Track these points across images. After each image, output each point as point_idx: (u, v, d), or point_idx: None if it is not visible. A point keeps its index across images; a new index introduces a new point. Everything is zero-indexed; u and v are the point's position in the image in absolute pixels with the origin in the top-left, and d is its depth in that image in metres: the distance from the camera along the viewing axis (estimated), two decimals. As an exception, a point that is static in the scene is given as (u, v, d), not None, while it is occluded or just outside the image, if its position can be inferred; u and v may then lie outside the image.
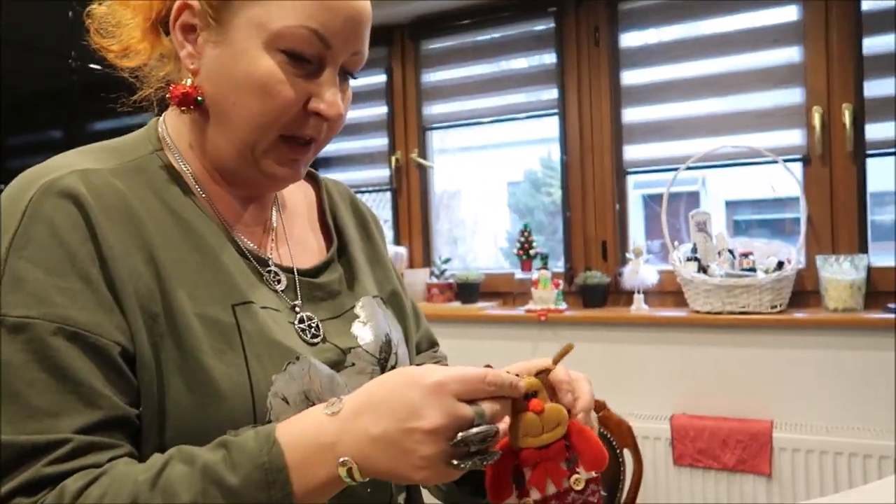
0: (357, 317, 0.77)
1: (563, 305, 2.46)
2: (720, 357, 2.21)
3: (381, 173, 2.96)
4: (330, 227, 0.84)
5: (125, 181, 0.64)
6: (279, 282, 0.72)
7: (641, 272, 2.34)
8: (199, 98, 0.67)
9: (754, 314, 2.14)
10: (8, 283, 0.55)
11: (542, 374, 0.62)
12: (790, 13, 2.28)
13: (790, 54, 2.27)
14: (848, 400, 2.05)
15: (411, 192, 2.92)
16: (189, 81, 0.67)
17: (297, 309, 0.72)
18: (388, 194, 2.98)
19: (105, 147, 0.68)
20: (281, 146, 0.67)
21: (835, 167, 2.21)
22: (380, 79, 2.94)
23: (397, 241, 2.94)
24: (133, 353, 0.58)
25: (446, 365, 0.87)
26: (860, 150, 2.17)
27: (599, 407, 1.78)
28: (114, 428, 0.56)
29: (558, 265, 2.63)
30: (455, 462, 0.54)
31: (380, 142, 2.95)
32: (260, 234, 0.75)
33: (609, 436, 1.75)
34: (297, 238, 0.79)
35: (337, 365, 0.71)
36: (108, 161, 0.65)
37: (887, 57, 2.14)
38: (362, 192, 3.03)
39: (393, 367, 0.76)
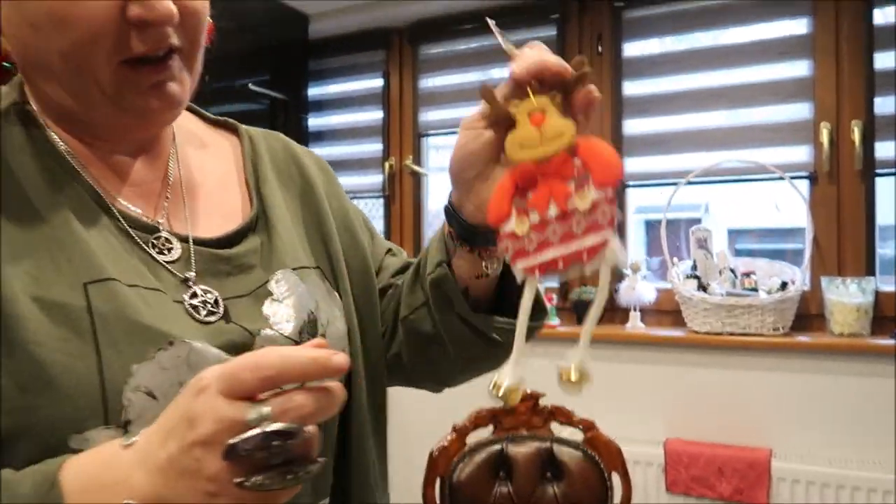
0: (270, 294, 0.64)
1: (556, 321, 2.36)
2: (718, 380, 2.11)
3: (375, 179, 2.88)
4: (251, 186, 0.71)
5: None
6: (170, 250, 0.61)
7: (638, 289, 2.25)
8: (7, 63, 0.57)
9: (755, 336, 2.03)
10: None
11: (556, 93, 0.52)
12: (800, 26, 2.20)
13: (799, 68, 2.19)
14: (852, 430, 1.94)
15: (404, 200, 2.83)
16: None
17: (191, 283, 0.60)
18: (381, 201, 2.90)
19: None
20: (129, 73, 0.55)
21: (842, 185, 2.12)
22: (376, 83, 2.86)
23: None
24: None
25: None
26: (869, 169, 2.08)
27: (588, 427, 1.68)
28: None
29: (552, 279, 2.53)
30: (239, 480, 0.42)
31: (374, 147, 2.88)
32: (151, 197, 0.64)
33: (597, 458, 1.64)
34: (208, 199, 0.68)
35: (241, 349, 0.58)
36: None
37: (900, 73, 2.06)
38: (354, 199, 2.95)
39: None
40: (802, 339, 2.00)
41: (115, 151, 0.62)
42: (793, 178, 2.16)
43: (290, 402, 0.43)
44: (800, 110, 2.19)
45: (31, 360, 0.49)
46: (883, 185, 2.10)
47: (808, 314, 2.13)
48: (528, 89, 0.53)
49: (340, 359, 0.45)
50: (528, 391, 1.73)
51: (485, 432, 1.70)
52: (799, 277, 2.07)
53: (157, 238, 0.61)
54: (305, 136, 2.91)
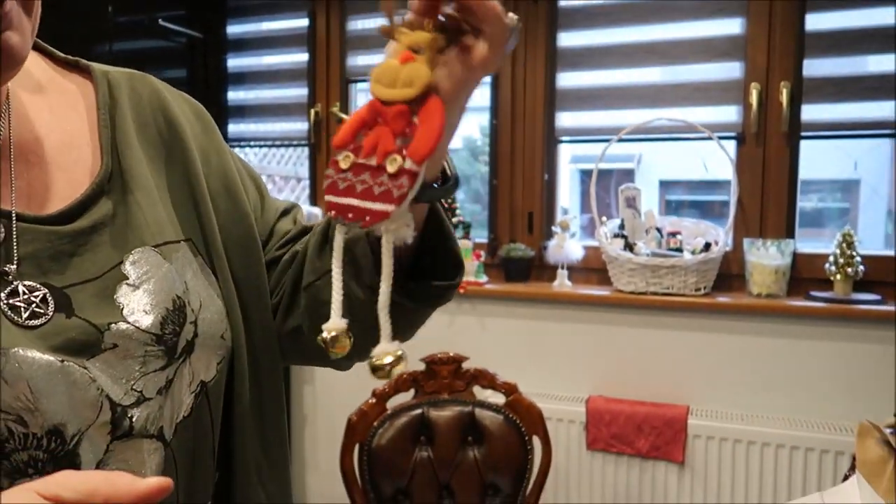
0: (125, 278, 0.55)
1: (484, 278, 2.32)
2: (641, 339, 2.13)
3: (299, 126, 2.74)
4: (102, 144, 0.60)
5: None
6: None
7: (567, 247, 2.23)
8: None
9: (678, 296, 2.05)
10: None
11: (440, 36, 0.48)
12: (735, -18, 2.16)
13: (732, 26, 2.16)
14: (766, 388, 2.00)
15: (330, 149, 2.70)
16: None
17: (10, 276, 0.50)
18: (306, 150, 2.76)
19: None
20: None
21: (768, 147, 2.13)
22: (300, 23, 2.69)
23: (314, 202, 2.73)
24: None
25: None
26: (795, 132, 2.09)
27: (510, 390, 1.66)
28: None
29: (482, 235, 2.49)
30: None
31: (298, 92, 2.72)
32: None
33: (518, 422, 1.63)
34: (43, 164, 0.57)
35: (86, 349, 0.51)
36: None
37: (829, 35, 2.05)
38: (277, 147, 2.80)
39: (190, 344, 0.56)
40: (722, 299, 2.03)
41: None
42: (721, 138, 2.15)
43: None
44: (731, 70, 2.17)
45: None
46: (807, 147, 2.12)
47: (730, 274, 2.16)
48: (422, 23, 0.48)
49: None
50: (452, 354, 1.70)
51: (406, 397, 1.67)
52: (722, 238, 2.09)
53: None
54: (224, 78, 2.73)
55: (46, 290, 0.51)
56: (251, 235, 0.67)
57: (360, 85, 2.72)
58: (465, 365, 1.69)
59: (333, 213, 0.48)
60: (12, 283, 0.50)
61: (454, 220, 2.47)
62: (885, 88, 2.01)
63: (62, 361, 0.49)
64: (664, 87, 2.26)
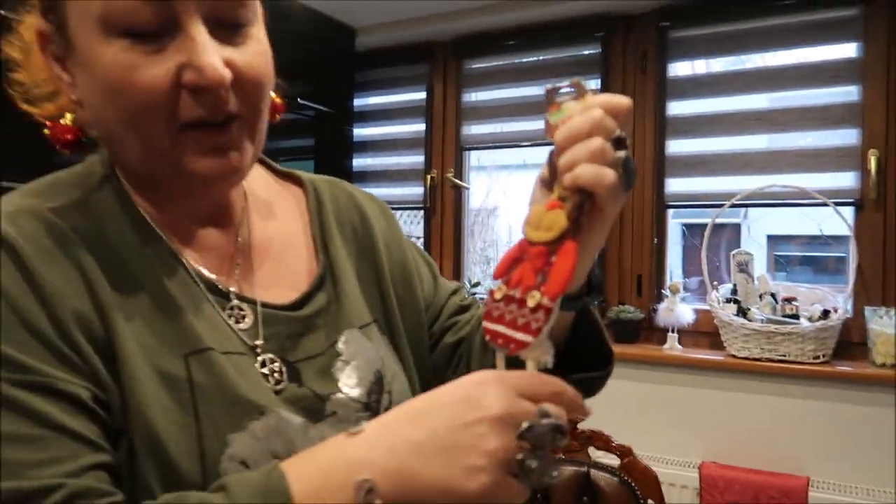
0: (339, 355, 0.66)
1: (594, 339, 2.37)
2: (756, 405, 2.11)
3: (416, 191, 2.92)
4: (317, 243, 0.71)
5: (68, 218, 0.56)
6: (243, 318, 0.62)
7: (677, 310, 2.26)
8: (70, 139, 0.60)
9: (795, 363, 2.03)
10: None
11: (584, 197, 0.53)
12: (849, 50, 2.18)
13: (847, 93, 2.17)
14: (891, 462, 1.93)
15: (445, 212, 2.87)
16: (69, 117, 0.60)
17: (258, 350, 0.62)
18: (422, 213, 2.94)
19: (53, 181, 0.60)
20: (188, 138, 0.55)
21: (889, 214, 2.10)
22: (419, 96, 2.90)
23: (427, 261, 2.89)
24: (104, 399, 0.53)
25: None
26: (918, 198, 2.06)
27: (625, 453, 1.70)
28: (103, 472, 0.51)
29: (590, 296, 2.55)
30: (520, 458, 0.46)
31: (416, 159, 2.92)
32: (224, 262, 0.65)
33: (633, 485, 1.66)
34: (274, 261, 0.68)
35: (314, 415, 0.62)
36: (51, 198, 0.58)
37: (953, 101, 2.03)
38: (395, 209, 2.99)
39: (386, 409, 0.67)
40: (843, 368, 1.99)
41: (189, 217, 0.64)
42: (837, 204, 2.14)
43: (559, 410, 0.48)
44: (847, 136, 2.17)
45: (143, 423, 0.53)
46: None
47: (850, 343, 2.11)
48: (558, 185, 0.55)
49: (570, 393, 0.51)
50: (567, 415, 1.76)
51: (523, 455, 1.74)
52: (841, 305, 2.06)
53: (231, 305, 0.63)
54: (349, 147, 2.97)
55: (283, 364, 0.63)
56: (420, 322, 0.78)
57: (473, 155, 2.89)
58: (581, 426, 1.75)
59: (488, 337, 0.55)
60: (261, 356, 0.62)
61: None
62: None
63: (306, 423, 0.60)
64: (776, 153, 2.28)
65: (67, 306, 0.53)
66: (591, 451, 1.75)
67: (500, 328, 0.53)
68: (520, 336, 0.52)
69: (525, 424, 0.46)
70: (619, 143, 0.52)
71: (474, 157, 2.94)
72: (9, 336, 0.50)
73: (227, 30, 0.55)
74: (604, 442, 1.74)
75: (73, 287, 0.54)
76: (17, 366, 0.49)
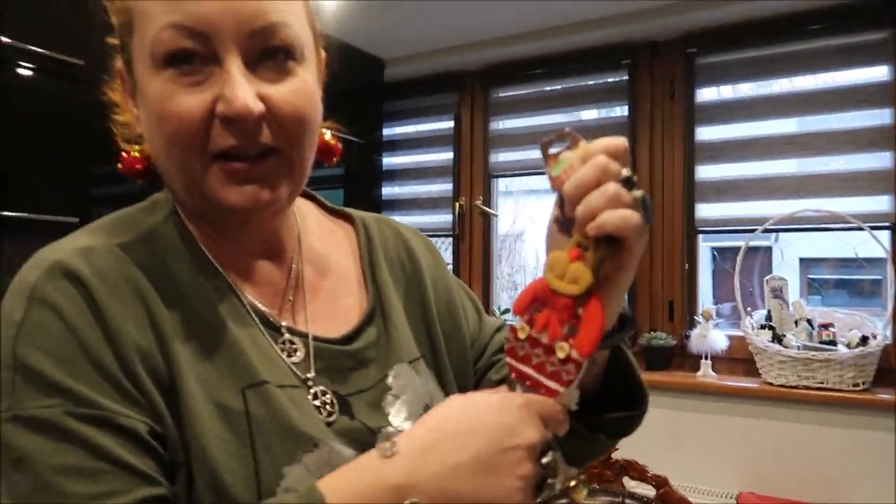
0: (389, 389, 0.67)
1: (625, 366, 2.36)
2: (795, 434, 2.07)
3: (444, 218, 2.95)
4: (367, 278, 0.74)
5: (135, 254, 0.59)
6: (295, 351, 0.64)
7: (710, 337, 2.23)
8: (140, 169, 0.63)
9: (834, 391, 1.99)
10: (21, 376, 0.52)
11: (612, 243, 0.54)
12: (880, 73, 2.17)
13: (879, 116, 2.15)
14: (938, 493, 1.88)
15: (473, 239, 2.89)
16: (137, 148, 0.63)
17: (310, 383, 0.64)
18: (450, 240, 2.96)
19: (121, 218, 0.63)
20: (219, 168, 0.57)
21: (927, 238, 2.07)
22: (448, 125, 2.94)
23: (456, 288, 2.90)
24: (161, 433, 0.55)
25: None
26: (956, 221, 2.02)
27: (660, 483, 1.68)
28: None
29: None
30: (548, 481, 0.52)
31: (444, 187, 2.95)
32: (278, 296, 0.67)
33: (671, 516, 1.64)
34: (326, 295, 0.70)
35: (365, 448, 0.61)
36: (119, 235, 0.60)
37: None
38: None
39: None
40: (884, 396, 1.95)
41: (245, 251, 0.66)
42: (872, 227, 2.11)
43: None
44: (880, 159, 2.15)
45: (203, 455, 0.54)
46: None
47: (891, 369, 2.07)
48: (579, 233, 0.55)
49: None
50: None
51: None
52: (880, 331, 2.03)
53: (283, 339, 0.64)
54: (379, 176, 3.01)
55: (334, 396, 0.65)
56: (466, 358, 0.79)
57: (500, 180, 2.91)
58: (615, 455, 1.74)
59: (514, 375, 0.57)
60: (312, 388, 0.63)
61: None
62: None
63: (358, 456, 0.60)
64: (807, 177, 2.26)
65: (131, 341, 0.55)
66: (626, 480, 1.73)
67: (528, 370, 0.56)
68: (551, 384, 0.54)
69: (549, 455, 0.52)
70: (629, 183, 0.53)
71: (502, 183, 2.96)
72: (74, 369, 0.52)
73: (269, 67, 0.58)
74: (639, 472, 1.72)
75: (137, 322, 0.56)
76: (80, 399, 0.51)
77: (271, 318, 0.65)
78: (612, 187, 0.52)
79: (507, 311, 2.71)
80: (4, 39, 1.53)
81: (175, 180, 0.60)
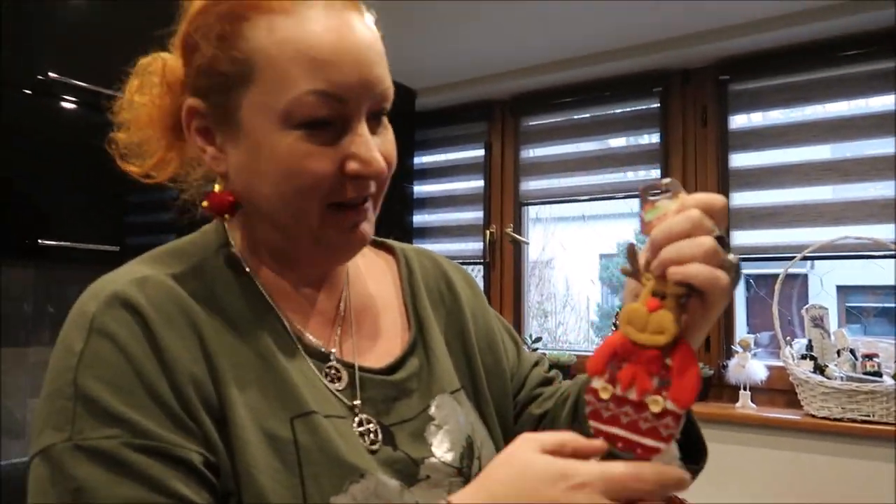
0: (432, 419, 0.68)
1: (661, 396, 2.31)
2: (839, 468, 2.00)
3: (475, 246, 2.95)
4: (409, 309, 0.75)
5: (187, 285, 0.61)
6: (339, 379, 0.65)
7: (749, 367, 2.18)
8: (237, 203, 0.65)
9: (881, 424, 1.92)
10: (81, 405, 0.53)
11: (687, 293, 0.52)
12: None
13: (920, 141, 2.11)
14: None
15: (504, 267, 2.88)
16: (217, 186, 0.65)
17: (356, 410, 0.65)
18: (481, 267, 2.95)
19: (173, 249, 0.66)
20: (334, 215, 0.62)
21: (975, 265, 2.00)
22: (478, 153, 2.96)
23: (487, 316, 2.88)
24: (214, 463, 0.55)
25: (564, 396, 0.77)
26: None
27: (701, 518, 1.63)
28: None
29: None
30: None
31: (475, 215, 2.95)
32: (327, 326, 0.69)
33: (712, 553, 1.58)
34: (371, 325, 0.72)
35: (409, 478, 0.63)
36: (172, 265, 0.63)
37: None
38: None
39: (477, 474, 0.66)
40: (934, 429, 1.88)
41: (303, 283, 0.69)
42: (917, 255, 2.05)
43: None
44: (920, 185, 2.10)
45: (253, 484, 0.55)
46: None
47: (939, 402, 1.99)
48: (654, 277, 0.53)
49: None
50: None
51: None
52: (928, 362, 1.96)
53: (329, 367, 0.66)
54: (410, 203, 3.03)
55: (378, 426, 0.65)
56: (506, 391, 0.79)
57: (531, 208, 2.90)
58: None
59: (602, 438, 0.53)
60: (357, 416, 0.64)
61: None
62: None
63: (402, 486, 0.62)
64: (843, 204, 2.22)
65: (186, 371, 0.56)
66: (665, 515, 1.68)
67: (618, 431, 0.52)
68: (648, 442, 0.51)
69: None
70: (721, 242, 0.52)
71: (532, 210, 2.95)
72: (132, 399, 0.54)
73: (374, 121, 0.63)
74: (677, 506, 1.67)
75: (191, 352, 0.57)
76: (137, 430, 0.53)
77: (321, 348, 0.66)
78: (709, 241, 0.51)
79: (538, 339, 2.68)
80: (52, 75, 1.58)
81: (278, 223, 0.63)
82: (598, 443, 0.52)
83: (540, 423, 0.79)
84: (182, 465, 0.53)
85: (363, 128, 0.60)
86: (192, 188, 0.70)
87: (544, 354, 0.87)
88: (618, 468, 0.49)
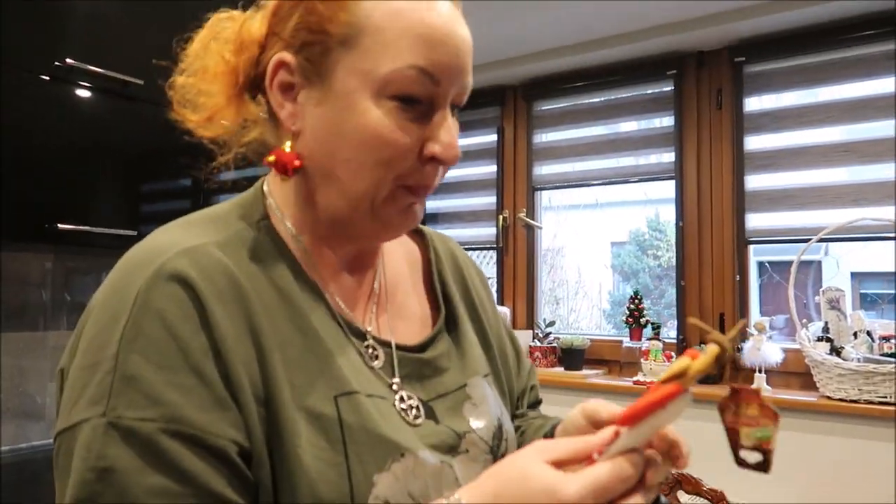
0: (469, 397, 0.69)
1: (675, 380, 2.31)
2: (855, 450, 1.99)
3: (488, 231, 2.95)
4: (437, 291, 0.76)
5: (232, 256, 0.59)
6: (376, 357, 0.66)
7: (764, 350, 2.17)
8: (299, 166, 0.63)
9: (897, 405, 1.92)
10: (120, 381, 0.51)
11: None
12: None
13: (939, 121, 2.09)
14: None
15: (517, 252, 2.88)
16: (289, 145, 0.63)
17: (395, 387, 0.65)
18: (494, 253, 2.95)
19: (210, 216, 0.64)
20: (400, 194, 0.62)
21: None
22: (491, 138, 2.95)
23: (501, 301, 2.89)
24: (248, 450, 0.54)
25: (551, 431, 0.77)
26: None
27: (717, 498, 1.63)
28: None
29: (670, 335, 2.49)
30: None
31: (488, 200, 2.95)
32: (362, 303, 0.69)
33: (729, 532, 1.59)
34: (399, 305, 0.73)
35: (452, 450, 0.64)
36: (213, 234, 0.61)
37: None
38: (468, 250, 3.02)
39: (503, 455, 0.69)
40: (952, 410, 1.87)
41: (341, 259, 0.68)
42: (935, 236, 2.04)
43: None
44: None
45: (297, 462, 0.54)
46: None
47: (958, 383, 1.98)
48: None
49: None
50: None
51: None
52: (946, 343, 1.94)
53: (367, 346, 0.66)
54: (422, 190, 3.02)
55: (420, 396, 0.66)
56: (512, 388, 0.81)
57: (543, 195, 2.90)
58: (669, 469, 1.69)
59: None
60: (397, 392, 0.65)
61: (642, 320, 2.51)
62: None
63: (442, 463, 0.62)
64: (859, 186, 2.20)
65: (234, 349, 0.55)
66: (681, 495, 1.69)
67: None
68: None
69: None
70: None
71: (545, 197, 2.94)
72: (175, 378, 0.52)
73: (452, 111, 0.63)
74: (693, 486, 1.68)
75: (238, 329, 0.56)
76: (176, 415, 0.51)
77: (358, 326, 0.66)
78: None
79: (552, 322, 2.68)
80: (69, 61, 1.59)
81: (347, 190, 0.61)
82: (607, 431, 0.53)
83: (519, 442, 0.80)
84: (215, 455, 0.52)
85: (447, 114, 0.61)
86: (230, 153, 0.68)
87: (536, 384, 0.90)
88: (602, 474, 0.49)
